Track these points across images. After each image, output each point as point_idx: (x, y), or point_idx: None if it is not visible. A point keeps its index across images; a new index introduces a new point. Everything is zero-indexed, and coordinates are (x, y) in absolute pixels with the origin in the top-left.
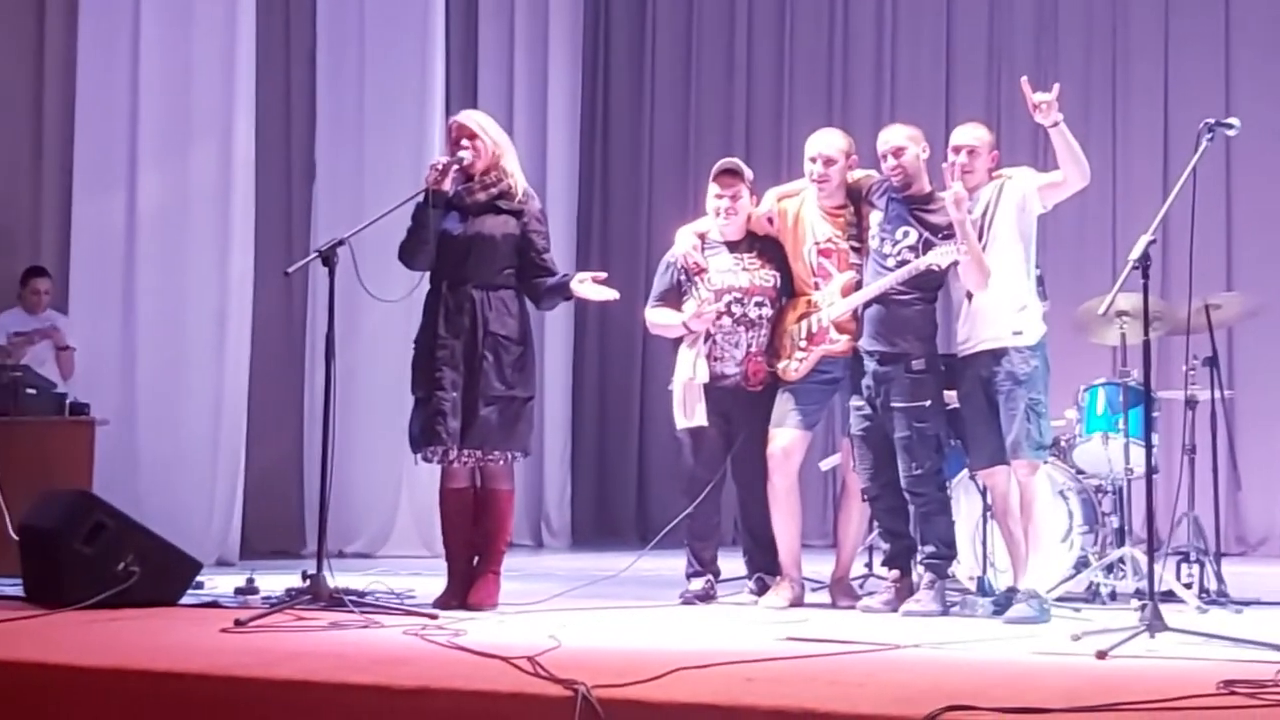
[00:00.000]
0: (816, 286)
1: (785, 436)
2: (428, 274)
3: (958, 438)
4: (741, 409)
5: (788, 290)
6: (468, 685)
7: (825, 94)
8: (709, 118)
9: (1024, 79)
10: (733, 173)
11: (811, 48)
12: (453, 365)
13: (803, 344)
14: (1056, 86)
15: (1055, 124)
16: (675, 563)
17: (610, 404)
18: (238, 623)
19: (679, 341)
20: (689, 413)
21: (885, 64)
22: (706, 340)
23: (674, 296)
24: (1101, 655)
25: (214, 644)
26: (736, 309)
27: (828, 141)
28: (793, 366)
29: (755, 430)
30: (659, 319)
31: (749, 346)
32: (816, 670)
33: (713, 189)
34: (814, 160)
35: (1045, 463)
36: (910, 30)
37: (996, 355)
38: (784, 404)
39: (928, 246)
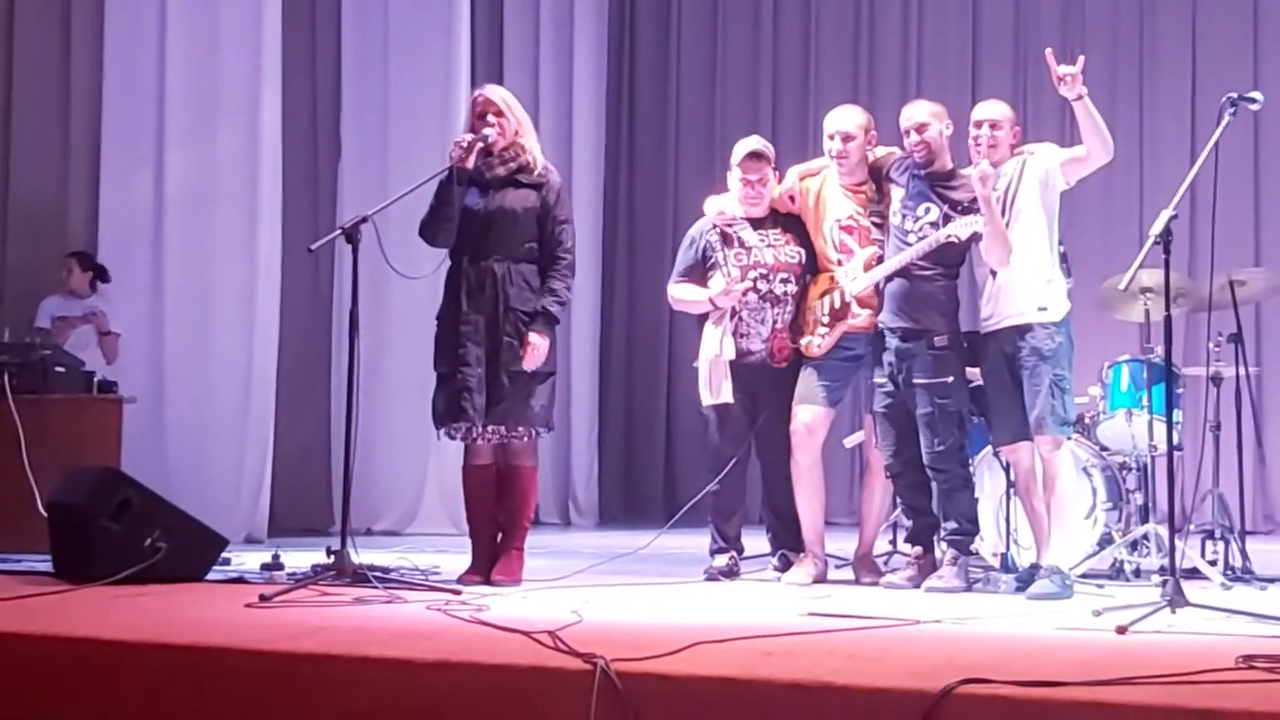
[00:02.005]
0: (839, 263)
1: (808, 413)
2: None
3: (981, 414)
4: (766, 386)
5: (811, 268)
6: (488, 659)
7: (851, 71)
8: (734, 96)
9: (1048, 51)
10: (757, 156)
11: (837, 25)
12: (476, 341)
13: (825, 320)
14: (1081, 59)
15: (1079, 97)
16: (700, 539)
17: (637, 382)
18: (262, 598)
19: (704, 318)
20: (715, 390)
21: (911, 40)
22: (733, 317)
23: (697, 272)
24: (1122, 630)
25: (238, 619)
26: (763, 285)
27: (846, 118)
28: (816, 342)
29: (779, 407)
30: (682, 294)
31: (775, 323)
32: (835, 644)
33: (736, 173)
34: (832, 137)
35: (1069, 439)
36: (936, 6)
37: (1021, 331)
38: (807, 380)
39: (949, 223)
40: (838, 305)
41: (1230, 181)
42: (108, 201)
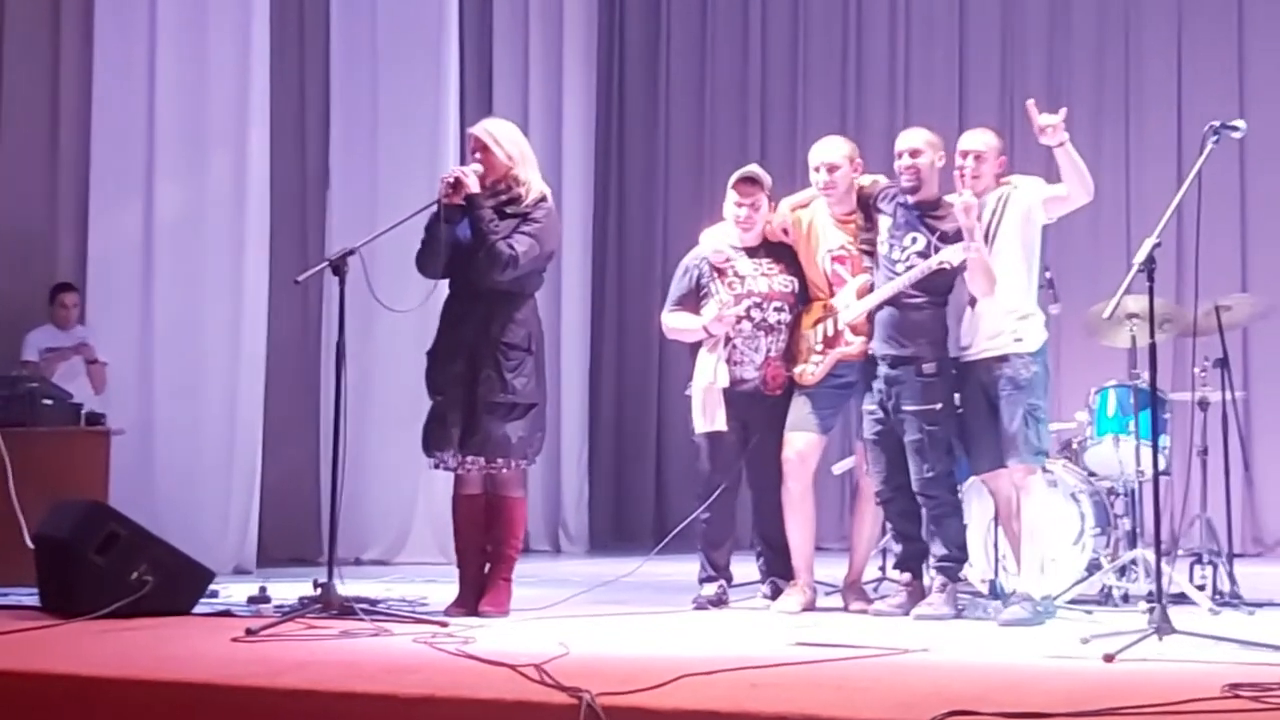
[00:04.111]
0: (831, 293)
1: (800, 441)
2: (446, 281)
3: (960, 440)
4: (759, 414)
5: (804, 297)
6: (473, 694)
7: (839, 102)
8: (723, 126)
9: (1029, 102)
10: (752, 181)
11: (825, 57)
12: (457, 371)
13: (819, 348)
14: (1064, 110)
15: (1061, 144)
16: (689, 566)
17: (627, 409)
18: (249, 632)
19: (697, 346)
20: (709, 418)
21: (899, 72)
22: (726, 345)
23: (692, 301)
24: (1109, 658)
25: (224, 653)
26: (756, 314)
27: (830, 149)
28: (809, 370)
29: (771, 434)
30: (676, 323)
31: (768, 351)
32: (822, 675)
33: (732, 196)
34: (818, 169)
35: (1043, 469)
36: (923, 37)
37: (998, 361)
38: (800, 408)
39: (936, 252)
40: (831, 333)
41: (1215, 208)
42: (96, 233)
